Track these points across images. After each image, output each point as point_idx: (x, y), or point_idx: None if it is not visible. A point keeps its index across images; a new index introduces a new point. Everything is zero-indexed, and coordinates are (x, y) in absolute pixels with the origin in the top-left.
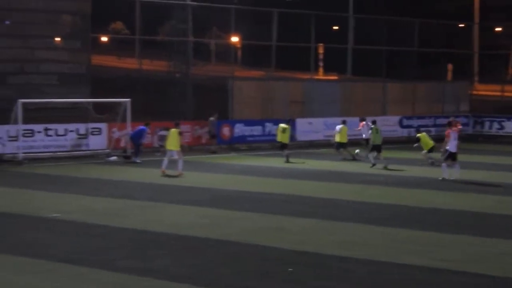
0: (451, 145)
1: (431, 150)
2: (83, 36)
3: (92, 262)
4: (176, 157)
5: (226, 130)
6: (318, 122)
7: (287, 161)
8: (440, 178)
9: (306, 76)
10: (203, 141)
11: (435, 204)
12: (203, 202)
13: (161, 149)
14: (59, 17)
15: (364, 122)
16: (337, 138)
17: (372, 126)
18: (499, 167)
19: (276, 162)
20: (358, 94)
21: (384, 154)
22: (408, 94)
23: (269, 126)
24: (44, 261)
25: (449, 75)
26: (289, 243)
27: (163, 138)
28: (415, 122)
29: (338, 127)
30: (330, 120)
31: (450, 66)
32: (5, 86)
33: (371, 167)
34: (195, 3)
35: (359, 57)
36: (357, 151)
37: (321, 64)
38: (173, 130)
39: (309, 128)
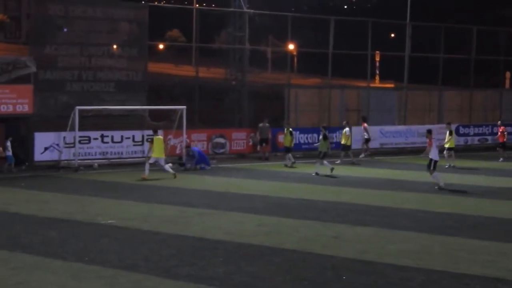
0: (434, 154)
1: (451, 149)
2: (140, 44)
3: (148, 269)
4: (162, 163)
5: (281, 138)
6: (374, 130)
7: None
8: (437, 187)
9: (362, 84)
10: (258, 148)
11: (495, 213)
12: (260, 210)
13: (216, 156)
14: (117, 25)
15: (366, 124)
16: (343, 141)
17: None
18: None
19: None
20: (415, 102)
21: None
22: (465, 102)
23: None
24: (101, 267)
25: (507, 83)
26: (347, 252)
27: (218, 145)
28: (472, 130)
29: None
30: (386, 128)
31: (508, 74)
32: (63, 93)
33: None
34: (252, 10)
35: (416, 65)
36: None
37: (377, 71)
38: (157, 137)
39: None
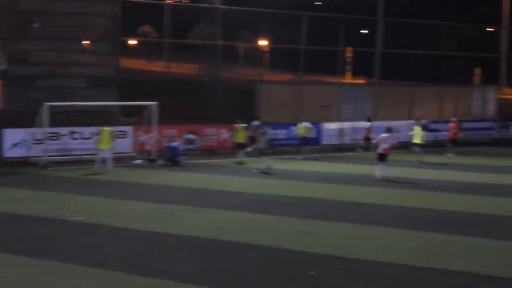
0: (380, 147)
1: (419, 145)
2: (112, 39)
3: (123, 266)
4: (108, 155)
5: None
6: (345, 126)
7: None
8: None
9: (334, 79)
10: (228, 144)
11: (471, 208)
12: (233, 206)
13: (186, 152)
14: (89, 20)
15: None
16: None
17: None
18: None
19: (304, 165)
20: (386, 98)
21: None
22: (435, 98)
23: (294, 129)
24: (73, 265)
25: (477, 79)
26: (321, 248)
27: (189, 141)
28: (442, 126)
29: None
30: (358, 123)
31: (477, 70)
32: (34, 89)
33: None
34: (224, 6)
35: (388, 61)
36: None
37: (349, 67)
38: (104, 129)
39: (335, 132)
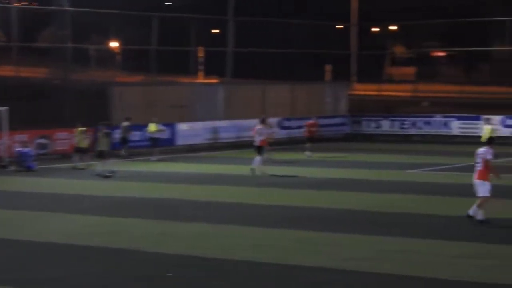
0: (256, 140)
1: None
2: None
3: None
4: None
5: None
6: (198, 126)
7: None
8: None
9: (187, 79)
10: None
11: (332, 204)
12: (89, 210)
13: (39, 157)
14: None
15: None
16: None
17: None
18: (376, 165)
19: (158, 166)
20: (239, 96)
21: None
22: (288, 96)
23: None
24: None
25: (328, 76)
26: (178, 248)
27: (42, 146)
28: (295, 123)
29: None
30: (210, 123)
31: (328, 67)
32: None
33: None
34: (73, 8)
35: (240, 60)
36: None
37: (201, 67)
38: None
39: (189, 132)
